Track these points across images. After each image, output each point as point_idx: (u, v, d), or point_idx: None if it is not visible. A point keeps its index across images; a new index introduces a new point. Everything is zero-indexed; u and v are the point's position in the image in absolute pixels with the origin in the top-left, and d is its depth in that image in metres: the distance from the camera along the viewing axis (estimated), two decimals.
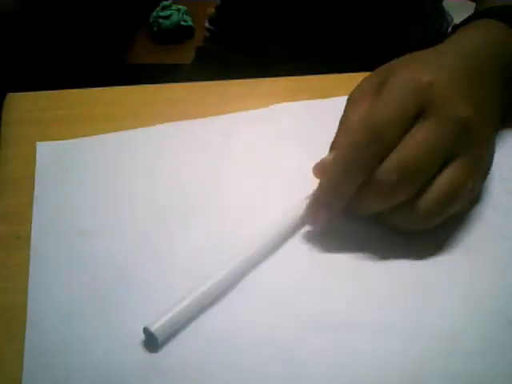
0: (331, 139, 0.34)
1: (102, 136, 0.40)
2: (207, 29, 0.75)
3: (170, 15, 1.65)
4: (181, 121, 0.41)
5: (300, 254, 0.32)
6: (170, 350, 0.27)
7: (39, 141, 0.40)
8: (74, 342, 0.28)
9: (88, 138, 0.40)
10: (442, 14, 0.71)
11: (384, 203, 0.31)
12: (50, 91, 0.45)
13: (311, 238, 0.33)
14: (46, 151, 0.39)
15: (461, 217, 0.34)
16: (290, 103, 0.43)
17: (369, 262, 0.32)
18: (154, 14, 1.68)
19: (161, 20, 1.65)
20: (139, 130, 0.40)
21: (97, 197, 0.36)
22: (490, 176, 0.34)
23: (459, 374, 0.26)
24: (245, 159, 0.38)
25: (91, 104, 0.43)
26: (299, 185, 0.35)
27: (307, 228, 0.34)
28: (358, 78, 0.46)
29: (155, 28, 1.67)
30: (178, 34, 1.66)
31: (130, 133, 0.40)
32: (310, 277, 0.31)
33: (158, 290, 0.30)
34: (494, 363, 0.27)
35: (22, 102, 0.43)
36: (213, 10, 0.74)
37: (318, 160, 0.33)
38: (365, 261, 0.32)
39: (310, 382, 0.26)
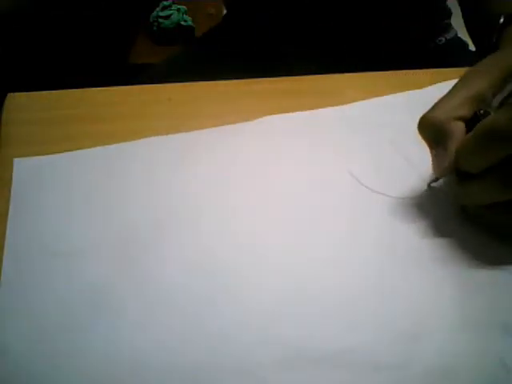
0: (316, 152, 0.34)
1: (80, 152, 0.39)
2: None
3: (170, 15, 1.65)
4: (161, 135, 0.40)
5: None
6: None
7: (39, 141, 0.40)
8: (43, 368, 0.27)
9: (66, 154, 0.38)
10: (444, 9, 0.71)
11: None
12: (50, 91, 0.45)
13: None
14: (22, 168, 0.37)
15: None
16: (276, 116, 0.42)
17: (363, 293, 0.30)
18: (154, 13, 1.68)
19: (161, 20, 1.65)
20: (118, 145, 0.39)
21: (72, 217, 0.34)
22: None
23: None
24: (229, 174, 0.37)
25: (91, 104, 0.43)
26: (287, 199, 0.35)
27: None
28: (358, 78, 0.46)
29: (155, 28, 1.67)
30: (178, 34, 1.66)
31: (109, 148, 0.39)
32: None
33: (133, 314, 0.29)
34: None
35: (22, 102, 0.43)
36: (213, 11, 0.74)
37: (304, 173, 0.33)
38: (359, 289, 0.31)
39: None
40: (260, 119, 0.41)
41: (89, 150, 0.39)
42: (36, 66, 1.16)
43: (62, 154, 0.38)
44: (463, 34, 0.65)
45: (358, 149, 0.38)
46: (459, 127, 0.30)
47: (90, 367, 0.27)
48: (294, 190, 0.36)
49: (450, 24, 0.72)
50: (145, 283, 0.31)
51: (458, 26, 0.71)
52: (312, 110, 0.42)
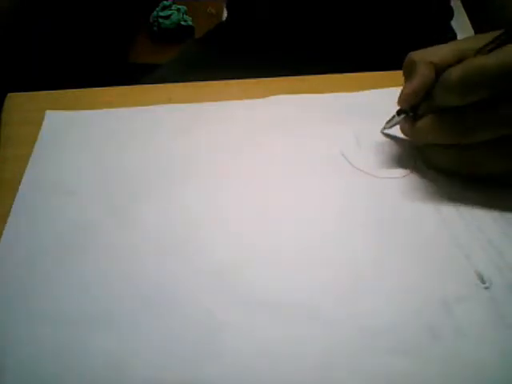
0: (322, 132, 0.37)
1: (112, 110, 0.42)
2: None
3: (170, 15, 1.66)
4: (179, 103, 0.42)
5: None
6: None
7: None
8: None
9: (96, 111, 0.42)
10: (448, 10, 0.71)
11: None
12: (50, 91, 0.45)
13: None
14: (52, 118, 0.41)
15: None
16: (288, 95, 0.43)
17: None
18: (154, 13, 1.69)
19: (161, 20, 1.66)
20: (148, 107, 0.42)
21: (88, 165, 0.37)
22: None
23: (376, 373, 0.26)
24: (228, 143, 0.39)
25: (91, 104, 0.43)
26: (288, 171, 0.36)
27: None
28: (357, 78, 0.46)
29: (155, 28, 1.67)
30: (178, 34, 1.66)
31: (140, 109, 0.42)
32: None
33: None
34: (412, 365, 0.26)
35: (22, 102, 0.43)
36: (213, 11, 0.74)
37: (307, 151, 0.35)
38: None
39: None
40: (270, 97, 0.43)
41: (120, 109, 0.42)
42: (36, 66, 1.16)
43: (92, 111, 0.42)
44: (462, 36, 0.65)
45: (353, 133, 0.40)
46: (428, 68, 0.33)
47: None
48: (287, 170, 0.37)
49: (451, 25, 0.72)
50: (154, 234, 0.32)
51: (457, 28, 0.72)
52: (319, 94, 0.43)
